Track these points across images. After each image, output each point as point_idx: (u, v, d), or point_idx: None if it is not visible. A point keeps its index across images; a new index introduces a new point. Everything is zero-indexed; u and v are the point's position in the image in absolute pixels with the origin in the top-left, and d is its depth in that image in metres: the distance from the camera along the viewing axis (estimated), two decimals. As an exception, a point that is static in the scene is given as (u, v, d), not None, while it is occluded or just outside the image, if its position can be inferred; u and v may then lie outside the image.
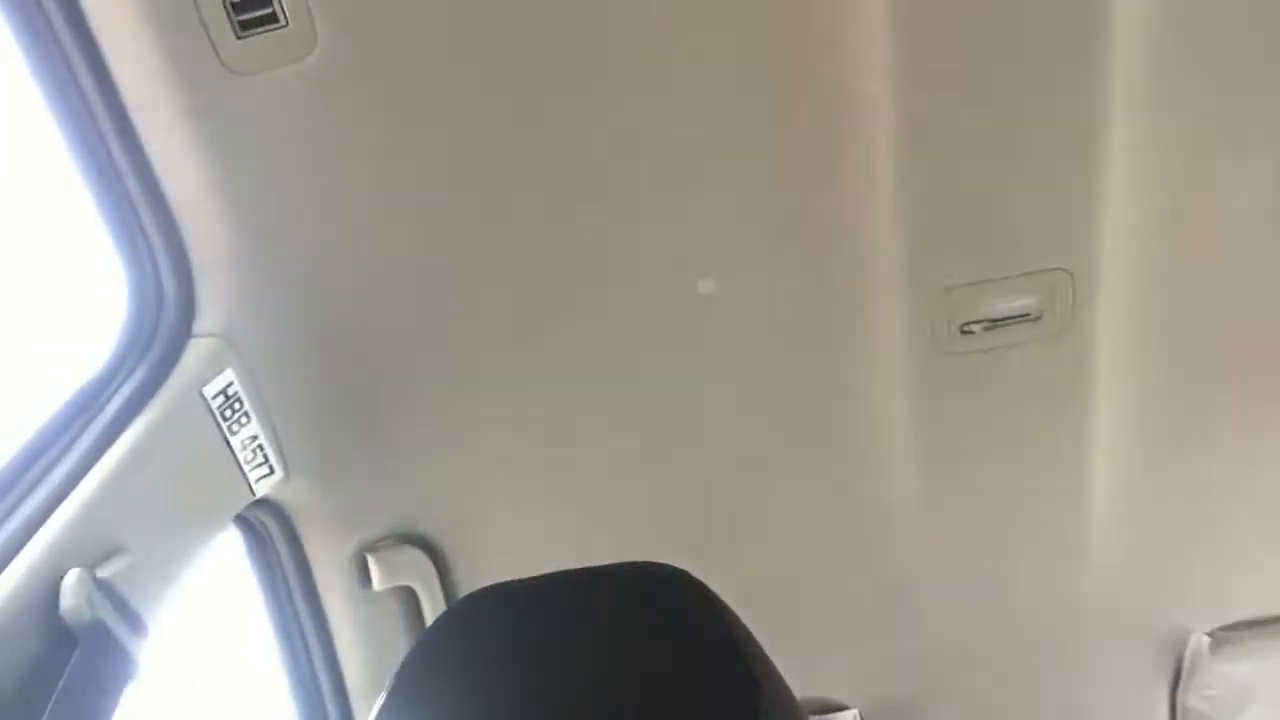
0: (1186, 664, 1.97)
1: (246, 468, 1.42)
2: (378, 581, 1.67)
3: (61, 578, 1.01)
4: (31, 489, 1.07)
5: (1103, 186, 1.46)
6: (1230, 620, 1.95)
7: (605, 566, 0.94)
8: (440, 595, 1.76)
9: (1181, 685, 1.99)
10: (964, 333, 1.57)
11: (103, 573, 1.06)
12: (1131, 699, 2.02)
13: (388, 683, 0.86)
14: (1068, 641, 1.96)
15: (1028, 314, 1.56)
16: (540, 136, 1.41)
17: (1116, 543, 1.81)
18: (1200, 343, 1.62)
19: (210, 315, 1.39)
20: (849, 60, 1.36)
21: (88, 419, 1.19)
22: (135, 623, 1.08)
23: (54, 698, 0.94)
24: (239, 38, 1.27)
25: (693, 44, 1.36)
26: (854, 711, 1.99)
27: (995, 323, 1.56)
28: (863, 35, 1.34)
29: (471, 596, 0.96)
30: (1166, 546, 1.84)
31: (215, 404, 1.36)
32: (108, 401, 1.23)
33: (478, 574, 1.76)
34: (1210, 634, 1.95)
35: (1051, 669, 2.00)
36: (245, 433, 1.41)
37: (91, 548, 1.08)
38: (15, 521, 1.03)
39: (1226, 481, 1.77)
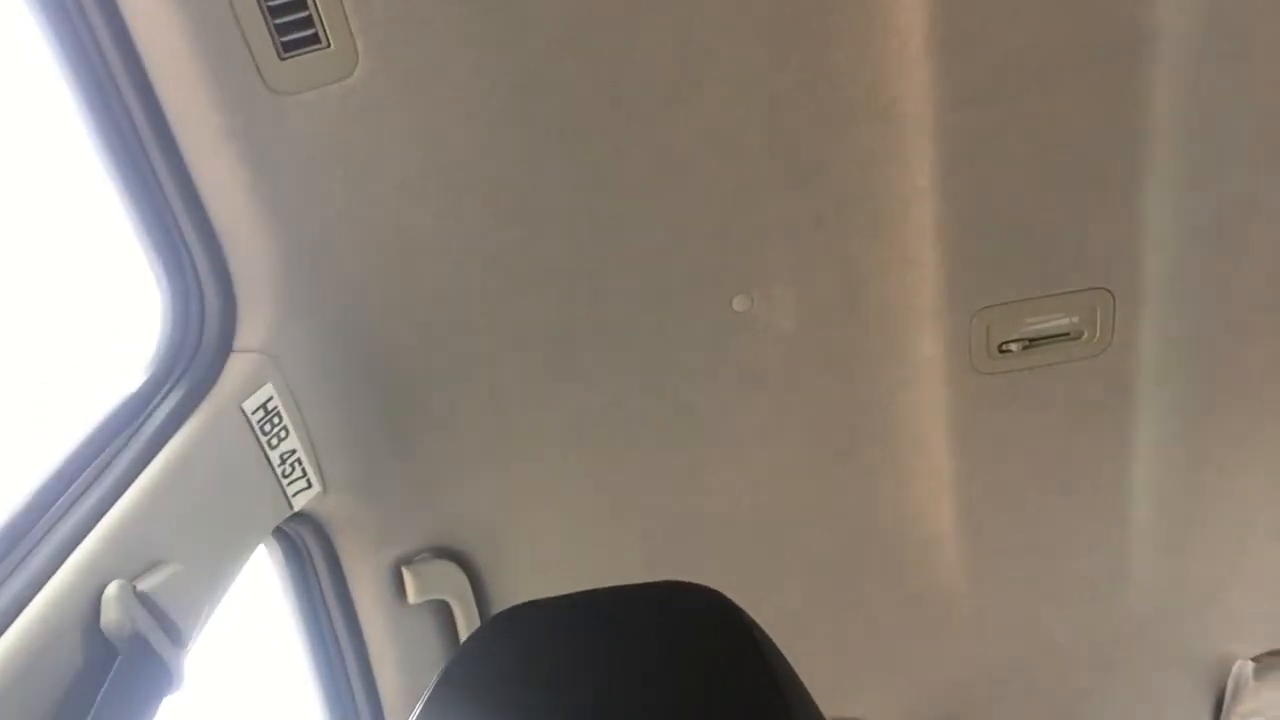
0: (1230, 690, 1.93)
1: (285, 482, 1.43)
2: (412, 595, 1.68)
3: (102, 590, 1.03)
4: (73, 502, 1.09)
5: (1144, 204, 1.45)
6: (1276, 646, 1.91)
7: (637, 586, 0.95)
8: (474, 609, 1.77)
9: (1225, 712, 1.95)
10: (1001, 352, 1.55)
11: (143, 585, 1.07)
12: None
13: (423, 697, 0.86)
14: (1107, 665, 1.93)
15: (1067, 333, 1.54)
16: (576, 156, 1.42)
17: (1157, 566, 1.78)
18: (1244, 364, 1.60)
19: (251, 331, 1.41)
20: (886, 78, 1.36)
21: (129, 433, 1.21)
22: (174, 634, 1.10)
23: (94, 709, 0.95)
24: (282, 58, 1.29)
25: (727, 63, 1.37)
26: (889, 732, 1.98)
27: (1033, 342, 1.55)
28: (901, 53, 1.34)
29: (507, 613, 0.96)
30: (1209, 570, 1.81)
31: (255, 418, 1.37)
32: (149, 415, 1.25)
33: (511, 588, 1.77)
34: (1255, 659, 1.91)
35: (1090, 693, 1.97)
36: (284, 447, 1.42)
37: (132, 560, 1.09)
38: (58, 534, 1.04)
39: (1270, 505, 1.74)
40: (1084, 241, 1.49)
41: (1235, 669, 1.91)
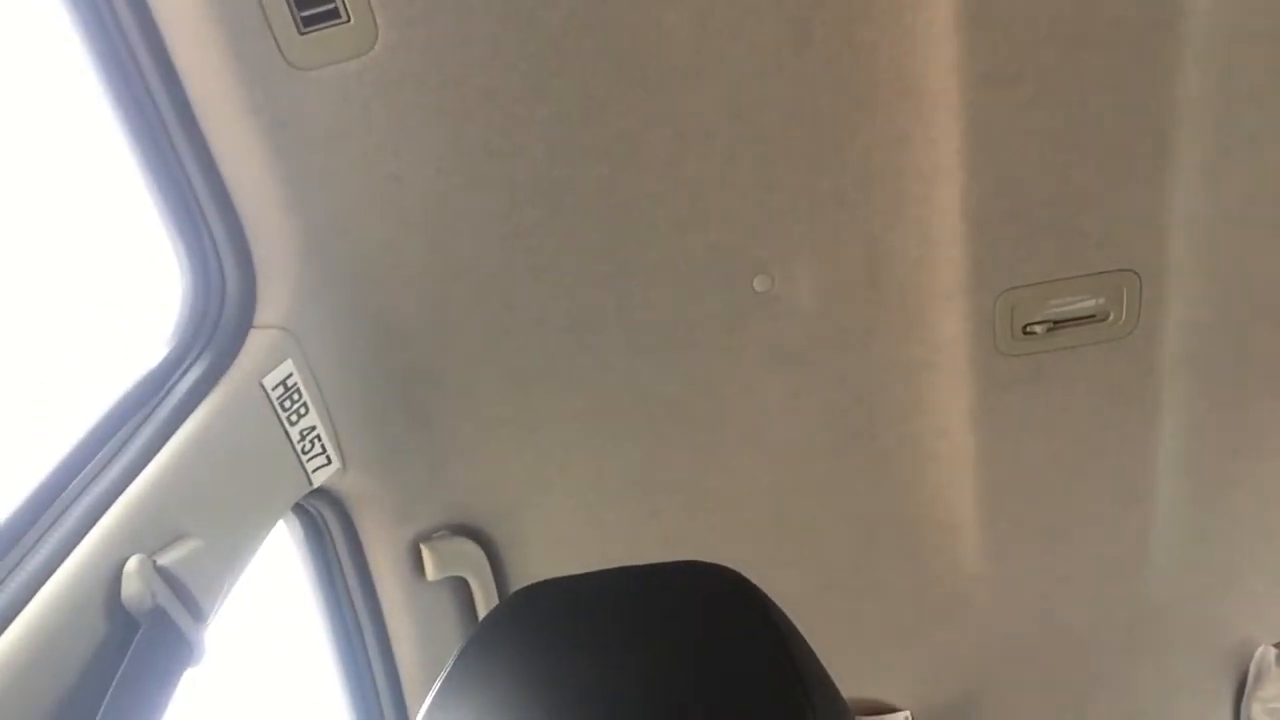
0: (1251, 675, 1.92)
1: (305, 458, 1.44)
2: (431, 572, 1.69)
3: (123, 564, 1.03)
4: (94, 477, 1.09)
5: (1172, 185, 1.43)
6: (1299, 631, 1.90)
7: (656, 565, 0.94)
8: (493, 586, 1.78)
9: (1246, 697, 1.94)
10: (1026, 333, 1.54)
11: (163, 560, 1.08)
12: (1192, 710, 1.98)
13: (443, 672, 0.86)
14: (1126, 650, 1.92)
15: (1093, 315, 1.53)
16: (597, 133, 1.41)
17: (1179, 550, 1.77)
18: (1271, 349, 1.58)
19: (271, 307, 1.41)
20: (912, 56, 1.34)
21: (149, 408, 1.21)
22: (194, 609, 1.10)
23: (115, 682, 0.96)
24: (302, 33, 1.29)
25: (750, 39, 1.35)
26: (905, 713, 1.98)
27: (1058, 324, 1.54)
28: (926, 30, 1.32)
29: (525, 590, 0.96)
30: (1232, 555, 1.80)
31: (275, 395, 1.37)
32: (169, 391, 1.25)
33: (529, 566, 1.77)
34: (1277, 645, 1.90)
35: (1110, 675, 1.96)
36: (304, 423, 1.43)
37: (153, 535, 1.10)
38: (78, 509, 1.05)
39: (1296, 490, 1.73)
40: (1110, 223, 1.47)
41: (1257, 654, 1.90)
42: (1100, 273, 1.50)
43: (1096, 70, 1.35)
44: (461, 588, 1.77)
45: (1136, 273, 1.49)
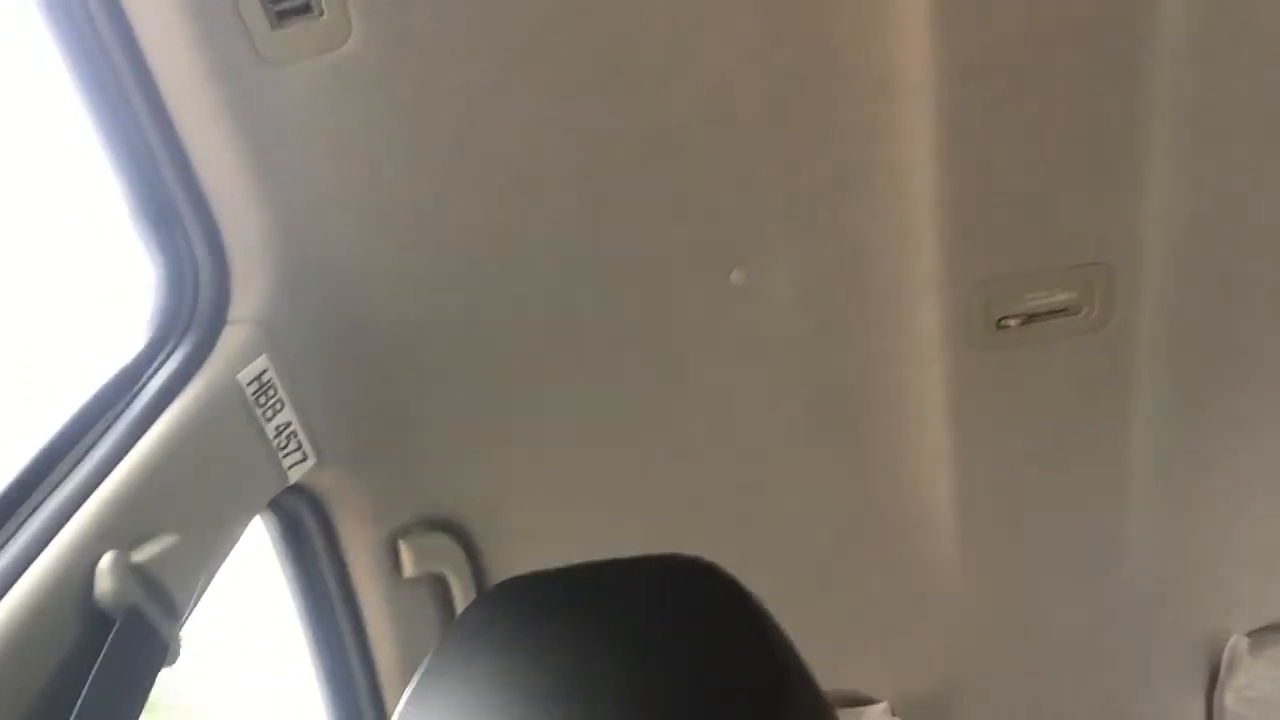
0: (1224, 665, 1.94)
1: (280, 454, 1.43)
2: (408, 568, 1.68)
3: (97, 561, 1.02)
4: (67, 473, 1.08)
5: (1145, 179, 1.44)
6: (1270, 621, 1.92)
7: (635, 558, 0.94)
8: (471, 582, 1.77)
9: (1219, 686, 1.96)
10: (1000, 327, 1.55)
11: (137, 557, 1.07)
12: (1167, 699, 2.00)
13: (420, 668, 0.86)
14: (1102, 639, 1.94)
15: (1066, 308, 1.54)
16: (573, 127, 1.41)
17: (1154, 542, 1.79)
18: (1243, 339, 1.60)
19: (245, 302, 1.41)
20: (886, 51, 1.35)
21: (123, 404, 1.20)
22: (169, 606, 1.10)
23: (89, 680, 0.95)
24: (274, 28, 1.28)
25: (725, 35, 1.36)
26: (884, 704, 1.98)
27: (1032, 317, 1.55)
28: (900, 25, 1.33)
29: (503, 585, 0.96)
30: (1205, 546, 1.81)
31: (250, 390, 1.37)
32: (143, 387, 1.24)
33: (507, 562, 1.77)
34: (1249, 635, 1.92)
35: (1085, 666, 1.98)
36: (279, 419, 1.42)
37: (126, 532, 1.09)
38: (52, 505, 1.04)
39: (1268, 482, 1.75)
40: (1083, 216, 1.48)
41: (1230, 644, 1.92)
42: (1073, 266, 1.51)
43: (1070, 65, 1.36)
44: (440, 584, 1.76)
45: (1109, 265, 1.50)
